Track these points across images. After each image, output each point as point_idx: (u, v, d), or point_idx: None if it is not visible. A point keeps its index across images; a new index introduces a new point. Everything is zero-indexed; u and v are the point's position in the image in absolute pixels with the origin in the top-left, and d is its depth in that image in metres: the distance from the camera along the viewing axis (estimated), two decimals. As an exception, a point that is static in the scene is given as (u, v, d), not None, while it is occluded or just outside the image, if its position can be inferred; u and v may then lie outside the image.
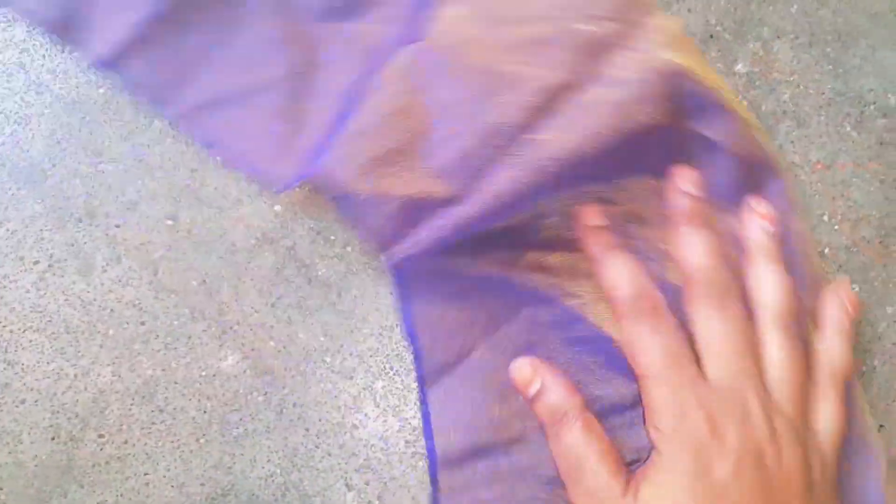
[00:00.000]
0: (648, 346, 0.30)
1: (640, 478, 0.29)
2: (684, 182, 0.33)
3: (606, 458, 0.30)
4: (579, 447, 0.30)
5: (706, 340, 0.31)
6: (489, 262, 0.34)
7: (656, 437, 0.29)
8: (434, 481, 0.33)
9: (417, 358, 0.34)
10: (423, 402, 0.34)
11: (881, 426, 0.35)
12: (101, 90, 0.36)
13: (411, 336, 0.34)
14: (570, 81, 0.32)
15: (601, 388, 0.33)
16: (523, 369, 0.32)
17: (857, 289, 0.36)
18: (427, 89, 0.33)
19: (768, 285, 0.32)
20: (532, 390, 0.32)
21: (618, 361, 0.32)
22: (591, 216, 0.33)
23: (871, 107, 0.38)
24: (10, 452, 0.33)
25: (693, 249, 0.32)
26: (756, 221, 0.33)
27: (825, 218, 0.37)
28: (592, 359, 0.33)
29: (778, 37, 0.39)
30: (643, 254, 0.33)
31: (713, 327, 0.31)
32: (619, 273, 0.32)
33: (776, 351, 0.31)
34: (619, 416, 0.32)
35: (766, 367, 0.31)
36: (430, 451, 0.33)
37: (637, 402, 0.32)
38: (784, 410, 0.30)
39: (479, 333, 0.34)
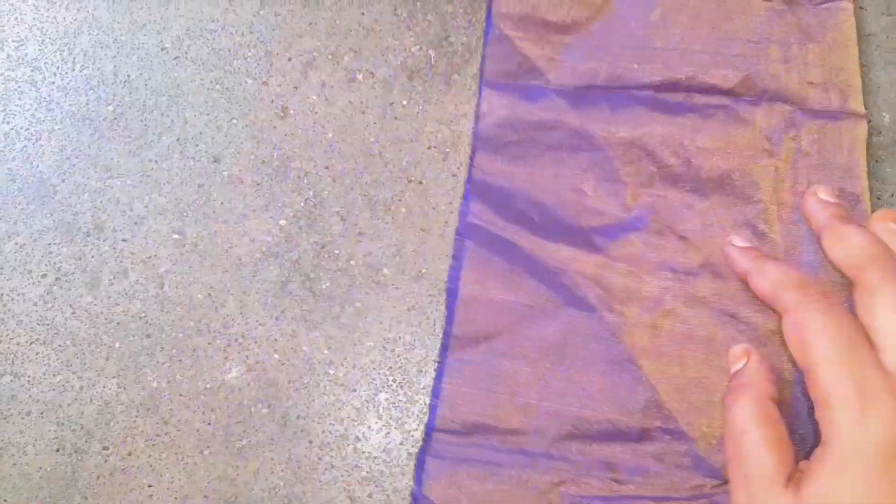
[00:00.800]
0: (823, 330, 0.27)
1: (807, 474, 0.26)
2: (824, 193, 0.34)
3: (775, 447, 0.27)
4: (748, 425, 0.28)
5: (888, 329, 0.27)
6: (557, 250, 0.36)
7: (831, 431, 0.26)
8: (427, 437, 0.34)
9: (449, 317, 0.35)
10: (441, 360, 0.35)
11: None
12: (111, 107, 0.37)
13: (452, 293, 0.36)
14: None
15: (615, 413, 0.34)
16: (737, 350, 0.33)
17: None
18: None
19: None
20: (735, 367, 0.32)
21: (637, 394, 0.34)
22: (737, 239, 0.35)
23: (867, 125, 0.39)
24: (14, 464, 0.34)
25: (858, 242, 0.31)
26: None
27: (822, 233, 0.38)
28: (616, 382, 0.35)
29: (773, 56, 0.40)
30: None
31: (893, 319, 0.27)
32: (777, 270, 0.32)
33: None
34: (621, 445, 0.34)
35: None
36: (433, 408, 0.34)
37: (644, 439, 0.33)
38: None
39: (514, 318, 0.35)
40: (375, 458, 0.35)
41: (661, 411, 0.34)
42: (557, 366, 0.35)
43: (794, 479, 0.26)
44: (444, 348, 0.35)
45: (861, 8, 0.40)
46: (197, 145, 0.37)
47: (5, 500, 0.33)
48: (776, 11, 0.40)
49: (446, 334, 0.35)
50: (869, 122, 0.39)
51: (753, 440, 0.27)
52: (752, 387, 0.29)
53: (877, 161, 0.38)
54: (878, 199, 0.38)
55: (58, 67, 0.37)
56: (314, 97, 0.38)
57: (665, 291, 0.36)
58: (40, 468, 0.34)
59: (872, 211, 0.37)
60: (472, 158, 0.37)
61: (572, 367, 0.35)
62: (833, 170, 0.37)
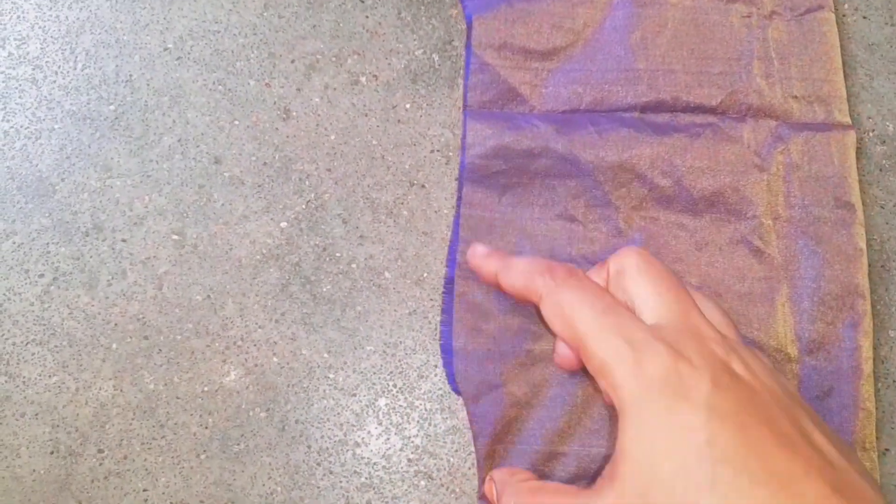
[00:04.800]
0: (580, 304, 0.29)
1: (612, 461, 0.27)
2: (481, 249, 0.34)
3: (557, 493, 0.29)
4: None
5: (643, 295, 0.29)
6: (555, 216, 0.37)
7: (618, 393, 0.27)
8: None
9: (452, 254, 0.36)
10: (446, 294, 0.36)
11: (887, 450, 0.36)
12: (112, 107, 0.38)
13: (455, 233, 0.36)
14: None
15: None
16: (488, 486, 0.33)
17: (859, 312, 0.38)
18: None
19: None
20: (495, 497, 0.32)
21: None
22: (477, 247, 0.34)
23: (870, 133, 0.40)
24: (7, 466, 0.34)
25: (525, 267, 0.32)
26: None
27: (827, 242, 0.38)
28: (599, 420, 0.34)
29: (778, 65, 0.41)
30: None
31: (644, 281, 0.29)
32: (522, 262, 0.32)
33: (706, 301, 0.32)
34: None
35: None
36: (444, 325, 0.36)
37: None
38: (728, 334, 0.30)
39: (517, 363, 0.35)
40: (375, 464, 0.35)
41: None
42: (564, 408, 0.34)
43: (600, 482, 0.27)
44: (449, 288, 0.36)
45: (864, 17, 0.41)
46: (198, 146, 0.38)
47: (-2, 503, 0.34)
48: (755, 27, 0.41)
49: (452, 262, 0.36)
50: (873, 131, 0.40)
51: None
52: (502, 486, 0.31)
53: (881, 170, 0.39)
54: (882, 207, 0.39)
55: (59, 66, 0.38)
56: (317, 99, 0.39)
57: None
58: (34, 471, 0.34)
59: (867, 219, 0.38)
60: (459, 192, 0.37)
61: (575, 409, 0.34)
62: (825, 181, 0.38)
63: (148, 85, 0.38)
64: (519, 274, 0.31)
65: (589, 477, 0.34)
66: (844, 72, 0.40)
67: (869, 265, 0.38)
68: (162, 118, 0.38)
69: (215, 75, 0.39)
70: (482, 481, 0.33)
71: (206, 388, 0.35)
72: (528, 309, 0.35)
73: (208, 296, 0.36)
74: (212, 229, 0.37)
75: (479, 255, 0.34)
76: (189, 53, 0.39)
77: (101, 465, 0.34)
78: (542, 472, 0.34)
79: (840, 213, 0.37)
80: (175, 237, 0.37)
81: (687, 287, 0.31)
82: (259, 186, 0.38)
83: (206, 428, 0.35)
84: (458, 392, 0.35)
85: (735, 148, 0.38)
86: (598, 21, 0.40)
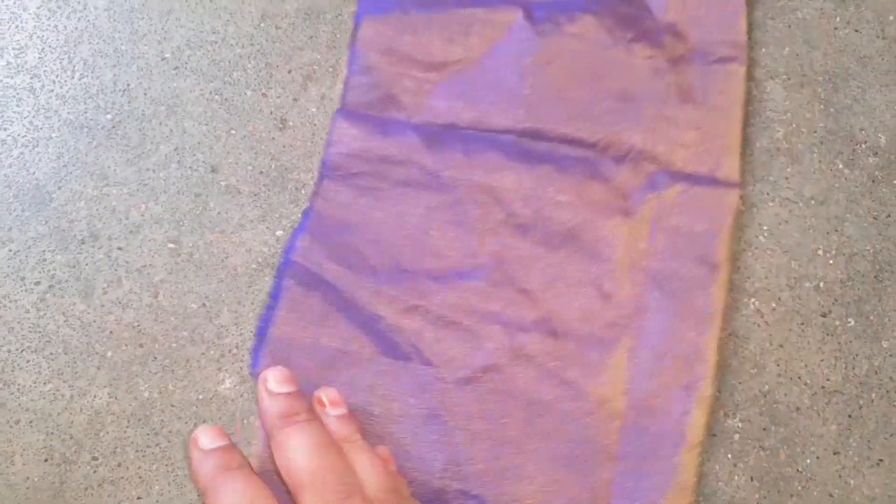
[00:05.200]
0: (300, 450, 0.29)
1: None
2: (273, 383, 0.32)
3: None
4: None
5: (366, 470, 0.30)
6: (379, 294, 0.36)
7: None
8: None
9: (253, 362, 0.35)
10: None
11: (881, 460, 0.37)
12: (109, 116, 0.38)
13: (261, 334, 0.35)
14: None
15: (414, 472, 0.34)
16: None
17: (852, 322, 0.38)
18: None
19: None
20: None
21: (439, 435, 0.34)
22: (271, 381, 0.32)
23: (863, 145, 0.40)
24: (1, 474, 0.34)
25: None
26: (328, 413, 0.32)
27: (820, 252, 0.39)
28: (418, 438, 0.34)
29: (771, 77, 0.41)
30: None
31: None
32: (268, 398, 0.31)
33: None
34: None
35: None
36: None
37: (439, 502, 0.33)
38: None
39: (325, 365, 0.35)
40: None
41: (461, 473, 0.34)
42: (364, 417, 0.34)
43: None
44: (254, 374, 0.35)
45: (856, 31, 0.42)
46: (195, 155, 0.38)
47: (-9, 510, 0.34)
48: (656, 69, 0.40)
49: (254, 371, 0.35)
50: (866, 143, 0.40)
51: None
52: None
53: (873, 182, 0.40)
54: (875, 219, 0.39)
55: (57, 76, 0.38)
56: (313, 109, 0.39)
57: (490, 346, 0.35)
58: (27, 478, 0.34)
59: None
60: (316, 186, 0.37)
61: (378, 420, 0.34)
62: (692, 237, 0.37)
63: (145, 94, 0.39)
64: (262, 411, 0.31)
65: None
66: (838, 84, 0.41)
67: (862, 275, 0.38)
68: (159, 127, 0.38)
69: (212, 85, 0.39)
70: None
71: (200, 396, 0.35)
72: (355, 314, 0.35)
73: (204, 304, 0.36)
74: (208, 238, 0.37)
75: (267, 393, 0.31)
76: (186, 63, 0.39)
77: (95, 472, 0.34)
78: None
79: (700, 272, 0.36)
80: (171, 245, 0.37)
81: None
82: (255, 195, 0.38)
83: (201, 436, 0.35)
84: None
85: (602, 187, 0.37)
86: (492, 42, 0.40)
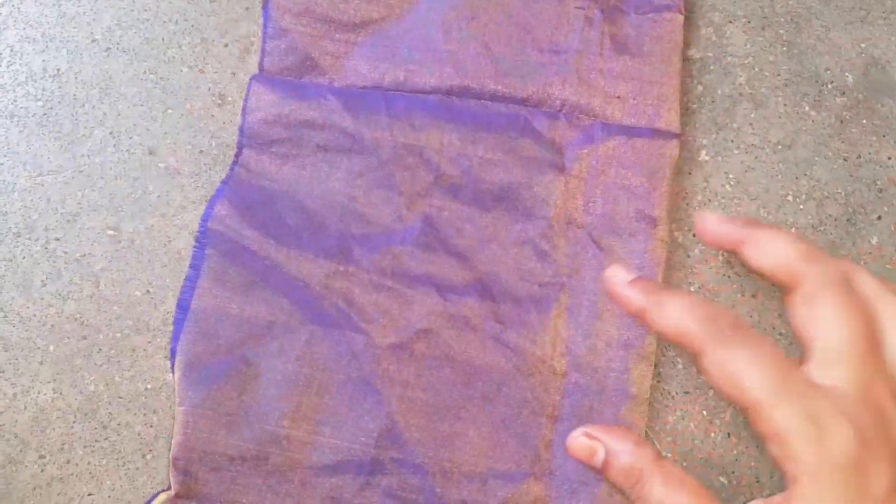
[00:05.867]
0: (751, 365, 0.26)
1: None
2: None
3: (700, 502, 0.26)
4: (666, 503, 0.27)
5: (827, 342, 0.27)
6: (304, 261, 0.34)
7: (795, 467, 0.25)
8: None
9: (175, 334, 0.33)
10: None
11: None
12: (39, 103, 0.37)
13: (182, 307, 0.34)
14: None
15: (347, 441, 0.33)
16: (579, 441, 0.29)
17: (827, 269, 0.36)
18: None
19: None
20: (598, 461, 0.29)
21: (372, 404, 0.33)
22: (616, 273, 0.30)
23: (829, 86, 0.39)
24: (-55, 479, 0.33)
25: (785, 242, 0.29)
26: None
27: (789, 198, 0.37)
28: (352, 407, 0.33)
29: (730, 21, 0.40)
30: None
31: (834, 327, 0.27)
32: (674, 306, 0.28)
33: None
34: (351, 478, 0.32)
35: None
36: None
37: (375, 471, 0.32)
38: None
39: (251, 335, 0.34)
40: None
41: (398, 441, 0.33)
42: (296, 388, 0.33)
43: None
44: (172, 368, 0.33)
45: (815, -35, 0.40)
46: (131, 138, 0.37)
47: (-65, 517, 0.32)
48: (589, 19, 0.38)
49: (172, 352, 0.33)
50: (832, 83, 0.39)
51: None
52: (641, 471, 0.28)
53: (842, 122, 0.38)
54: (846, 160, 0.38)
55: (-16, 65, 0.37)
56: (253, 83, 0.38)
57: (424, 310, 0.34)
58: (-28, 481, 0.33)
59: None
60: (236, 156, 0.36)
61: (309, 389, 0.33)
62: (630, 190, 0.35)
63: (76, 78, 0.37)
64: (674, 318, 0.28)
65: (309, 468, 0.32)
66: (800, 24, 0.39)
67: (834, 218, 0.37)
68: (92, 111, 0.37)
69: (146, 64, 0.38)
70: (178, 446, 0.32)
71: (149, 386, 0.34)
72: (280, 282, 0.34)
73: (147, 290, 0.35)
74: (149, 222, 0.36)
75: (621, 283, 0.30)
76: (118, 44, 0.38)
77: (42, 471, 0.33)
78: (267, 452, 0.32)
79: (639, 227, 0.35)
80: (111, 232, 0.36)
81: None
82: (196, 175, 0.37)
83: (151, 427, 0.34)
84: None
85: (535, 144, 0.36)
86: None
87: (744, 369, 0.26)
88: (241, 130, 0.36)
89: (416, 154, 0.35)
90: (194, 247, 0.34)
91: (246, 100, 0.36)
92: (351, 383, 0.33)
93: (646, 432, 0.34)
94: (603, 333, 0.34)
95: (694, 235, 0.36)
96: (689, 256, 0.36)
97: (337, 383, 0.33)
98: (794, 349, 0.35)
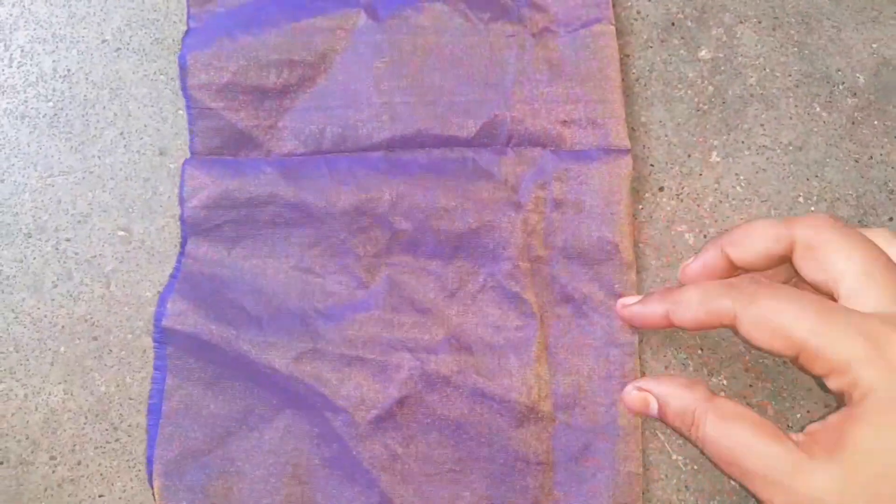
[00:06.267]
0: (788, 310, 0.26)
1: (844, 436, 0.25)
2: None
3: (761, 433, 0.26)
4: (724, 440, 0.26)
5: (851, 276, 0.27)
6: (268, 346, 0.32)
7: (860, 390, 0.25)
8: None
9: (151, 441, 0.33)
10: (150, 482, 0.32)
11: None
12: (50, 104, 0.37)
13: (154, 411, 0.33)
14: None
15: None
16: (632, 395, 0.30)
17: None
18: None
19: None
20: (653, 411, 0.30)
21: (362, 486, 0.32)
22: (628, 301, 0.33)
23: (840, 87, 0.39)
24: (-44, 480, 0.33)
25: (761, 239, 0.29)
26: None
27: (800, 199, 0.37)
28: (340, 480, 0.32)
29: (741, 21, 0.40)
30: None
31: (851, 260, 0.27)
32: (692, 298, 0.29)
33: None
34: None
35: None
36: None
37: None
38: None
39: (227, 431, 0.33)
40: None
41: None
42: (281, 480, 0.32)
43: (820, 443, 0.25)
44: (150, 476, 0.32)
45: (826, -34, 0.40)
46: (142, 138, 0.37)
47: (-54, 518, 0.32)
48: (521, 46, 0.37)
49: (149, 460, 0.32)
50: (843, 84, 0.39)
51: (740, 447, 0.26)
52: (693, 412, 0.28)
53: (853, 123, 0.38)
54: (857, 161, 0.38)
55: (-6, 65, 0.37)
56: (263, 84, 0.38)
57: (401, 376, 0.32)
58: (-17, 482, 0.33)
59: (840, 175, 0.37)
60: (182, 248, 0.35)
61: (294, 479, 0.32)
62: (590, 218, 0.34)
63: (87, 79, 0.37)
64: (697, 306, 0.29)
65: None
66: (811, 24, 0.39)
67: (846, 220, 0.37)
68: (103, 112, 0.37)
69: (156, 65, 0.38)
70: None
71: (160, 388, 0.34)
72: (247, 372, 0.33)
73: (158, 291, 0.35)
74: (159, 223, 0.36)
75: (635, 306, 0.31)
76: (128, 44, 0.38)
77: (53, 472, 0.33)
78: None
79: (602, 254, 0.34)
80: (121, 233, 0.36)
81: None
82: (206, 176, 0.37)
83: (162, 428, 0.34)
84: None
85: (488, 184, 0.35)
86: (337, 52, 0.36)
87: (783, 317, 0.26)
88: (182, 220, 0.34)
89: (367, 214, 0.34)
90: (154, 346, 0.33)
91: (181, 186, 0.34)
92: (338, 466, 0.32)
93: (643, 456, 0.34)
94: (584, 368, 0.34)
95: (705, 237, 0.36)
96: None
97: (323, 468, 0.32)
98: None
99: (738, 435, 0.26)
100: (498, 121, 0.36)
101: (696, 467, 0.34)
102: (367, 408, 0.32)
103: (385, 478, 0.32)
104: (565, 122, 0.36)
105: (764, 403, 0.35)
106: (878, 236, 0.29)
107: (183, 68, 0.35)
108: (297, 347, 0.32)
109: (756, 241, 0.29)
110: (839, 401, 0.26)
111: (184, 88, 0.35)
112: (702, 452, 0.27)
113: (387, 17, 0.36)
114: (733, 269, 0.30)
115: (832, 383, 0.25)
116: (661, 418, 0.29)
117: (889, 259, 0.27)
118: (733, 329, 0.28)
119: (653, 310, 0.31)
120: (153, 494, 0.32)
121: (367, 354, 0.33)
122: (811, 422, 0.26)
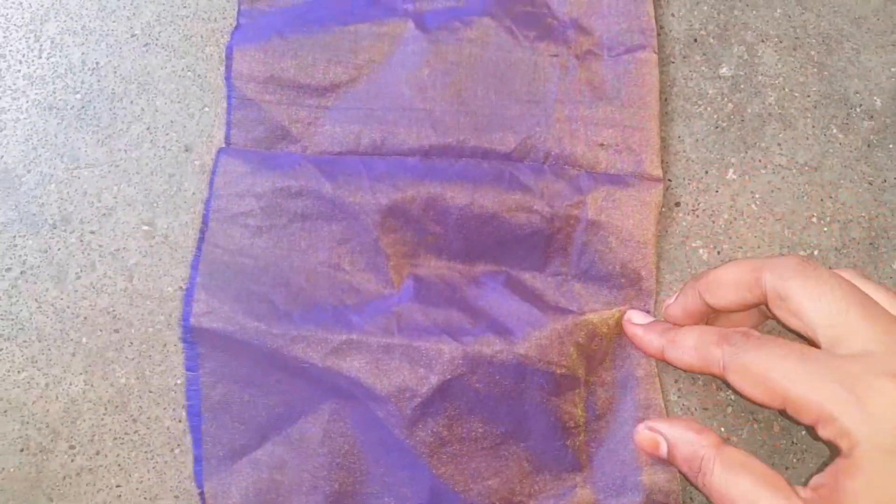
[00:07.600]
0: (772, 362, 0.27)
1: (837, 489, 0.25)
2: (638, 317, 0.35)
3: (766, 486, 0.26)
4: (730, 491, 0.27)
5: (826, 322, 0.27)
6: (299, 340, 0.33)
7: (846, 440, 0.25)
8: None
9: (196, 439, 0.33)
10: (198, 482, 0.33)
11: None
12: (78, 96, 0.37)
13: (194, 411, 0.34)
14: None
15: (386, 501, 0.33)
16: (642, 434, 0.31)
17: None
18: None
19: None
20: (662, 452, 0.31)
21: (411, 469, 0.33)
22: (635, 316, 0.34)
23: (857, 109, 0.39)
24: (-23, 465, 0.34)
25: (733, 286, 0.30)
26: None
27: (814, 220, 0.38)
28: (390, 468, 0.33)
29: (762, 40, 0.40)
30: None
31: (823, 306, 0.27)
32: (687, 341, 0.31)
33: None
34: None
35: None
36: None
37: None
38: None
39: (270, 425, 0.34)
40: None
41: (447, 498, 0.33)
42: (332, 469, 0.33)
43: (820, 491, 0.26)
44: (199, 472, 0.33)
45: (850, -11, 0.41)
46: (168, 134, 0.37)
47: (-33, 502, 0.33)
48: (564, 67, 0.37)
49: (197, 459, 0.33)
50: (860, 106, 0.39)
51: (743, 496, 0.26)
52: (701, 458, 0.29)
53: (869, 146, 0.39)
54: (871, 184, 0.38)
55: (24, 55, 0.38)
56: (289, 84, 0.38)
57: (444, 359, 0.32)
58: (3, 469, 0.34)
59: (853, 197, 0.38)
60: (202, 234, 0.35)
61: (346, 468, 0.33)
62: (619, 242, 0.35)
63: (115, 72, 0.38)
64: (690, 350, 0.30)
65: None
66: (831, 46, 0.40)
67: (857, 242, 0.37)
68: (130, 106, 0.37)
69: (184, 61, 0.38)
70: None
71: (179, 381, 0.35)
72: (282, 367, 0.33)
73: (180, 287, 0.36)
74: (183, 219, 0.36)
75: (637, 327, 0.33)
76: (157, 39, 0.38)
77: (72, 461, 0.34)
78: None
79: (625, 280, 0.35)
80: (145, 227, 0.36)
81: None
82: (231, 174, 0.37)
83: (180, 422, 0.34)
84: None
85: (523, 197, 0.35)
86: (383, 56, 0.37)
87: (766, 369, 0.27)
88: (207, 205, 0.35)
89: (400, 216, 0.35)
90: (183, 346, 0.34)
91: (213, 174, 0.35)
92: (386, 454, 0.33)
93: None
94: (609, 391, 0.35)
95: (719, 253, 0.37)
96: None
97: (371, 458, 0.33)
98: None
99: (743, 486, 0.26)
100: (537, 138, 0.36)
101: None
102: (411, 395, 0.32)
103: (434, 461, 0.33)
104: (602, 145, 0.37)
105: (769, 419, 0.35)
106: (850, 277, 0.29)
107: (229, 58, 0.36)
108: (333, 341, 0.32)
109: (728, 291, 0.30)
110: (831, 450, 0.26)
111: (227, 79, 0.36)
112: (708, 500, 0.28)
113: (434, 28, 0.37)
114: (712, 311, 0.32)
115: (822, 433, 0.26)
116: (671, 461, 0.30)
117: (863, 295, 0.27)
118: (723, 380, 0.29)
119: (650, 341, 0.33)
120: (200, 495, 0.33)
121: (405, 340, 0.33)
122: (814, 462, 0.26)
